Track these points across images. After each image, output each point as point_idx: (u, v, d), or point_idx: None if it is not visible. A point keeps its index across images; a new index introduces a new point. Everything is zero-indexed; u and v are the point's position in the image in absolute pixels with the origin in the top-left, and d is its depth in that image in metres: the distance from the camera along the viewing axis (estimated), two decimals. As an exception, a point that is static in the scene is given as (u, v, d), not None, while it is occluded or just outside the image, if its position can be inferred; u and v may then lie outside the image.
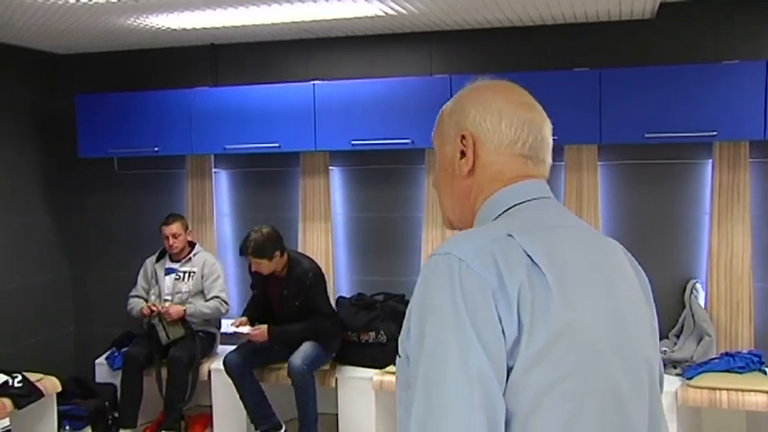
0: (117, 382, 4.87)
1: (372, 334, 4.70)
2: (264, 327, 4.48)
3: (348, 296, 5.02)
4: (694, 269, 4.63)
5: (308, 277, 4.48)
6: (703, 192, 4.60)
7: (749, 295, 4.47)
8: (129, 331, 5.23)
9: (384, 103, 4.60)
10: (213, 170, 5.33)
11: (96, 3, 3.87)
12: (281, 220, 5.05)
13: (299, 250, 4.96)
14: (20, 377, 4.23)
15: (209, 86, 5.12)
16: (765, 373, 4.21)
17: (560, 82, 4.36)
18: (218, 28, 4.65)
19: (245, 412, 4.59)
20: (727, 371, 4.19)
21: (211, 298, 4.88)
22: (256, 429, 4.59)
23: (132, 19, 4.33)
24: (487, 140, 1.26)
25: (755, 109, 4.13)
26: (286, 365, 4.55)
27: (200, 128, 4.92)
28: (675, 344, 4.48)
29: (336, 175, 5.18)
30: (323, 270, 4.65)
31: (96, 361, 5.16)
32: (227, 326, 5.20)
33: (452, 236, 1.17)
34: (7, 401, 4.05)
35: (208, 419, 4.94)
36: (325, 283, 4.62)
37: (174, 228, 4.83)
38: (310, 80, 4.85)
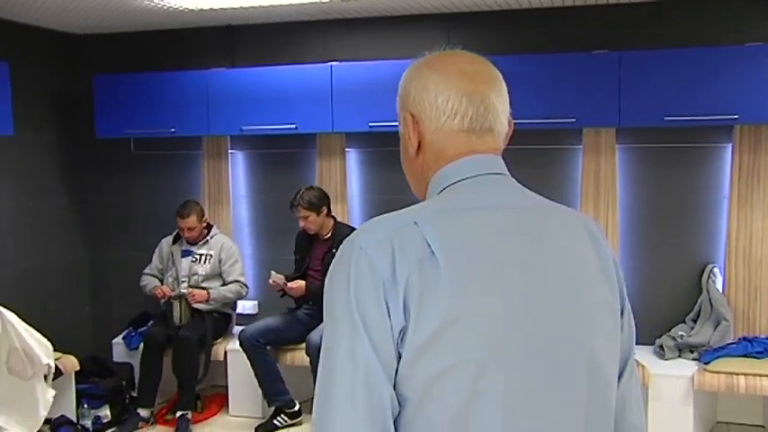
0: (134, 361, 4.91)
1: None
2: (303, 282, 4.60)
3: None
4: (712, 254, 4.60)
5: None
6: (722, 176, 4.56)
7: (767, 280, 4.44)
8: (145, 311, 5.27)
9: (402, 85, 4.58)
10: (230, 151, 5.33)
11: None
12: (298, 201, 5.05)
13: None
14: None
15: (226, 68, 5.11)
16: (783, 358, 4.20)
17: (579, 64, 4.33)
18: (235, 8, 4.63)
19: (260, 393, 4.63)
20: (745, 356, 4.17)
21: (231, 281, 4.89)
22: (270, 405, 4.63)
23: (150, -1, 4.33)
24: (427, 119, 1.22)
25: (777, 92, 4.09)
26: (301, 347, 4.59)
27: (217, 109, 4.92)
28: (692, 328, 4.47)
29: (353, 157, 5.17)
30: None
31: (113, 341, 5.20)
32: (242, 307, 5.24)
33: (368, 221, 1.17)
34: (27, 379, 4.08)
35: (224, 399, 4.98)
36: None
37: (190, 222, 4.81)
38: (328, 61, 4.83)
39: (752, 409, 4.49)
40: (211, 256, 4.91)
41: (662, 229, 4.61)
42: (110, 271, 5.68)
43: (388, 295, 1.06)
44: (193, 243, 4.93)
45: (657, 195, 4.65)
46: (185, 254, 4.94)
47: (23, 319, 4.06)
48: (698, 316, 4.50)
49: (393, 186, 5.09)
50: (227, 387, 4.94)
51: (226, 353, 4.87)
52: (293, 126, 4.78)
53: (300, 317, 4.73)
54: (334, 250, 4.64)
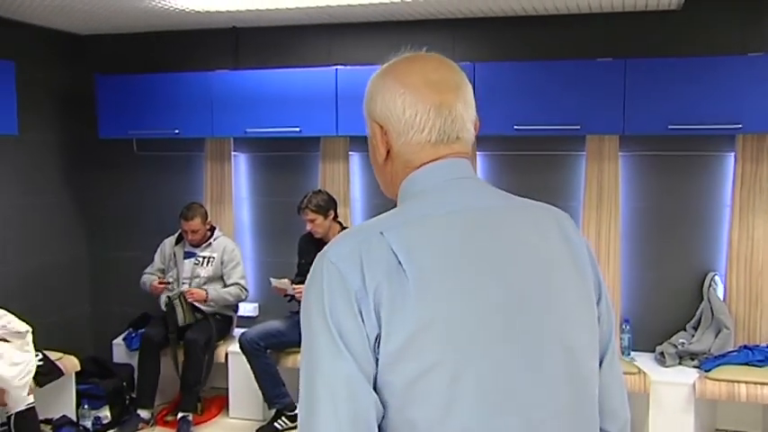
0: (134, 362, 4.90)
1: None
2: None
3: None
4: (713, 262, 4.62)
5: None
6: (724, 184, 4.59)
7: (769, 289, 4.46)
8: (146, 313, 5.26)
9: (406, 90, 4.58)
10: (233, 153, 5.33)
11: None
12: (300, 204, 5.05)
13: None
14: (40, 355, 4.25)
15: (229, 69, 5.11)
16: (783, 366, 4.22)
17: (584, 72, 4.34)
18: (240, 11, 4.64)
19: (260, 395, 4.62)
20: (746, 364, 4.19)
21: (232, 284, 4.89)
22: (270, 408, 4.63)
23: (155, 0, 4.32)
24: (395, 131, 1.24)
25: (780, 102, 4.11)
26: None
27: (221, 111, 4.92)
28: (693, 336, 4.49)
29: (356, 161, 5.17)
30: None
31: (114, 341, 5.20)
32: (243, 309, 5.23)
33: (338, 234, 1.20)
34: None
35: (224, 401, 4.98)
36: None
37: (194, 224, 4.81)
38: (332, 65, 4.84)
39: (752, 417, 4.50)
40: (214, 258, 4.91)
41: (664, 237, 4.63)
42: (111, 272, 5.67)
43: (361, 305, 1.08)
44: (197, 245, 4.93)
45: (659, 203, 4.67)
46: (188, 255, 4.94)
47: (24, 320, 4.05)
48: (699, 323, 4.52)
49: (396, 190, 5.11)
50: (227, 389, 4.93)
51: (227, 355, 4.87)
52: (297, 129, 4.79)
53: (302, 320, 4.73)
54: None
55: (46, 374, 4.22)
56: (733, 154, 4.51)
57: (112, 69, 5.35)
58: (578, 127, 4.38)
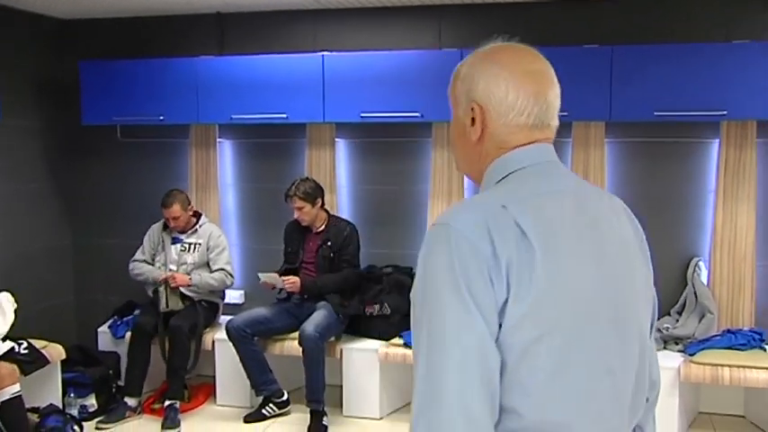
0: (120, 350, 4.88)
1: (377, 306, 4.73)
2: (297, 279, 4.60)
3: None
4: (698, 247, 4.67)
5: (347, 230, 4.70)
6: (709, 170, 4.63)
7: (751, 274, 4.52)
8: (131, 300, 5.24)
9: (394, 76, 4.58)
10: (218, 140, 5.30)
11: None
12: (286, 191, 5.04)
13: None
14: (25, 344, 4.22)
15: (214, 55, 5.07)
16: (766, 350, 4.28)
17: (570, 58, 4.34)
18: (226, -4, 4.61)
19: (248, 383, 4.62)
20: (729, 348, 4.24)
21: (217, 270, 4.87)
22: (258, 395, 4.64)
23: (141, -15, 4.29)
24: (495, 112, 1.33)
25: (764, 89, 4.15)
26: (290, 336, 4.60)
27: (206, 97, 4.89)
28: (677, 320, 4.54)
29: (342, 147, 5.16)
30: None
31: (99, 329, 5.16)
32: (229, 297, 5.22)
33: (452, 206, 1.29)
34: (14, 367, 4.04)
35: (211, 389, 4.97)
36: (359, 239, 4.75)
37: (174, 211, 4.79)
38: (318, 51, 4.82)
39: (733, 399, 4.57)
40: (200, 244, 4.89)
41: (649, 223, 4.59)
42: (95, 259, 5.63)
43: (491, 270, 1.16)
44: (182, 231, 4.91)
45: (645, 189, 4.70)
46: (175, 241, 4.92)
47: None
48: (683, 308, 4.57)
49: (383, 177, 5.11)
50: (214, 377, 4.92)
51: (213, 342, 4.86)
52: (284, 115, 4.77)
53: (289, 307, 4.73)
54: (328, 243, 4.64)
55: (31, 363, 4.18)
56: (718, 140, 4.55)
57: (96, 55, 5.29)
58: (565, 113, 4.33)
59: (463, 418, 1.13)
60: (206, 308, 4.91)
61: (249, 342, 4.55)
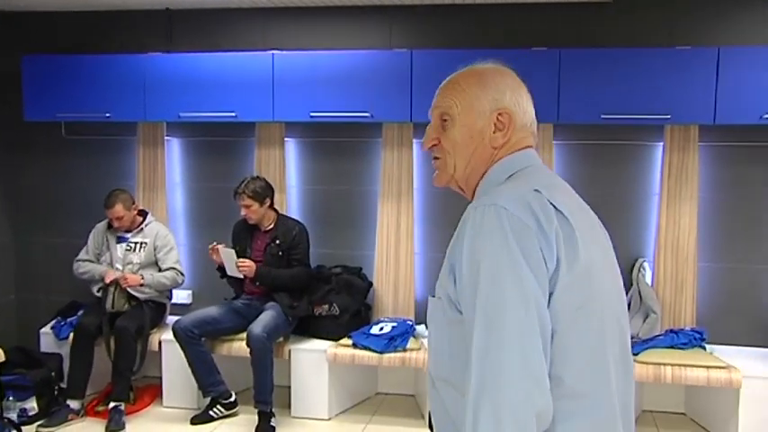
0: (63, 351, 4.78)
1: (326, 307, 4.72)
2: (253, 263, 4.56)
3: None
4: (642, 248, 4.76)
5: (295, 229, 4.69)
6: (653, 173, 4.72)
7: (693, 274, 4.62)
8: (74, 300, 5.13)
9: (344, 76, 4.57)
10: (165, 138, 5.22)
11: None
12: (235, 190, 4.99)
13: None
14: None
15: (162, 52, 5.00)
16: (706, 349, 4.38)
17: (519, 61, 4.35)
18: (174, -8, 4.54)
19: (195, 384, 4.56)
20: (671, 347, 4.33)
21: (167, 269, 4.80)
22: (205, 396, 4.58)
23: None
24: (519, 120, 1.52)
25: (706, 94, 4.25)
26: (238, 337, 4.55)
27: (153, 94, 4.81)
28: (622, 320, 4.60)
29: (292, 147, 5.13)
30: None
31: (41, 330, 5.04)
32: (177, 297, 5.15)
33: (488, 192, 1.41)
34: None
35: (157, 390, 4.89)
36: (308, 239, 4.72)
37: (117, 211, 4.70)
38: (268, 50, 4.78)
39: (675, 397, 4.67)
40: (146, 244, 4.81)
41: (595, 224, 4.73)
42: (37, 258, 5.51)
43: (542, 242, 1.30)
44: (128, 231, 4.82)
45: (591, 191, 4.67)
46: (120, 240, 4.83)
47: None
48: (628, 309, 4.64)
49: (332, 177, 5.10)
50: (160, 378, 4.85)
51: (160, 343, 4.78)
52: (233, 114, 4.72)
53: (238, 307, 4.68)
54: (277, 241, 4.61)
55: (-33, 365, 4.08)
56: (662, 144, 4.64)
57: (41, 49, 5.16)
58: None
59: (533, 383, 1.23)
60: (153, 308, 4.83)
61: (196, 343, 4.49)
